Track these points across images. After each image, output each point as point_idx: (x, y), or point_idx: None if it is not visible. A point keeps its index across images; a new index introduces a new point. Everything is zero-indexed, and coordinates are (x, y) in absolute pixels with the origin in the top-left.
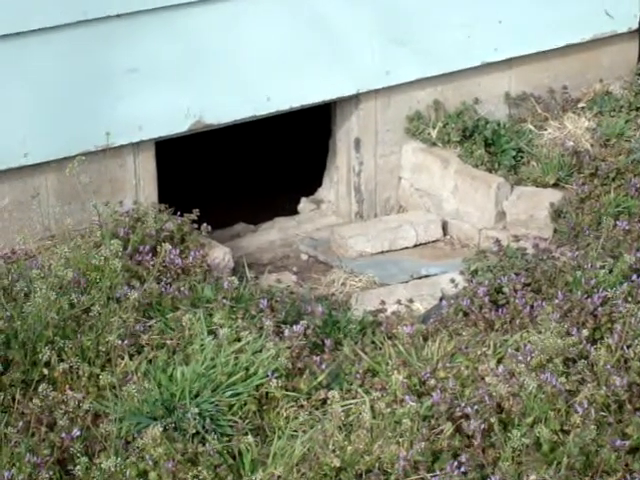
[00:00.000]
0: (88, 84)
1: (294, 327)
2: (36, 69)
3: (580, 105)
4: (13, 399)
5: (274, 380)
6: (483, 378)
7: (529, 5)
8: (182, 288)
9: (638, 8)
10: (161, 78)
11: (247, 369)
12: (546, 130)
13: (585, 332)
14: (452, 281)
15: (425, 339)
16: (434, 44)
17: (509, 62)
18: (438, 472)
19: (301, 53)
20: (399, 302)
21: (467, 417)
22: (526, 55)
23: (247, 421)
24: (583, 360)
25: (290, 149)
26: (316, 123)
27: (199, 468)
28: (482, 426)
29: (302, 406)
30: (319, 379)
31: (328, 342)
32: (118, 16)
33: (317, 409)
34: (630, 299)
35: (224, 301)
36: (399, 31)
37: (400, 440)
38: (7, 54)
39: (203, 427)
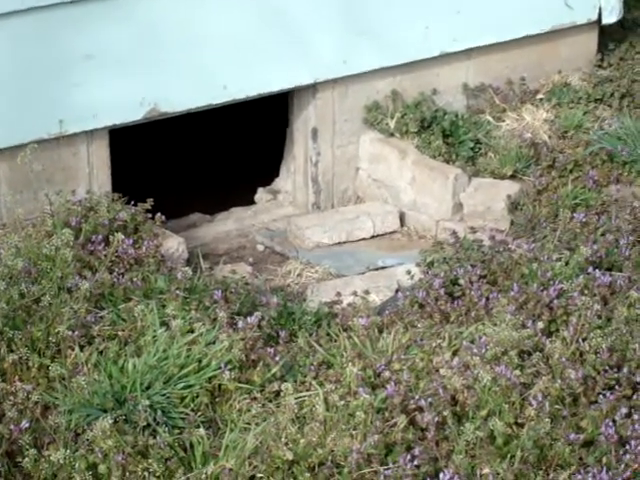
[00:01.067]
0: (41, 71)
1: (248, 319)
2: None
3: (538, 96)
4: None
5: (227, 372)
6: (438, 370)
7: None
8: (135, 279)
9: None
10: (116, 65)
11: (200, 361)
12: (504, 121)
13: (540, 325)
14: (408, 273)
15: (380, 331)
16: (392, 34)
17: (468, 53)
18: (391, 465)
19: (258, 41)
20: (355, 294)
21: (421, 410)
22: (485, 46)
23: (199, 413)
24: (538, 353)
25: (247, 139)
26: (273, 112)
27: (149, 461)
28: (436, 419)
29: (255, 398)
30: (273, 371)
31: (283, 334)
32: (72, 2)
33: (270, 401)
34: (586, 292)
35: (177, 292)
36: (357, 20)
37: (353, 433)
38: None
39: (154, 419)
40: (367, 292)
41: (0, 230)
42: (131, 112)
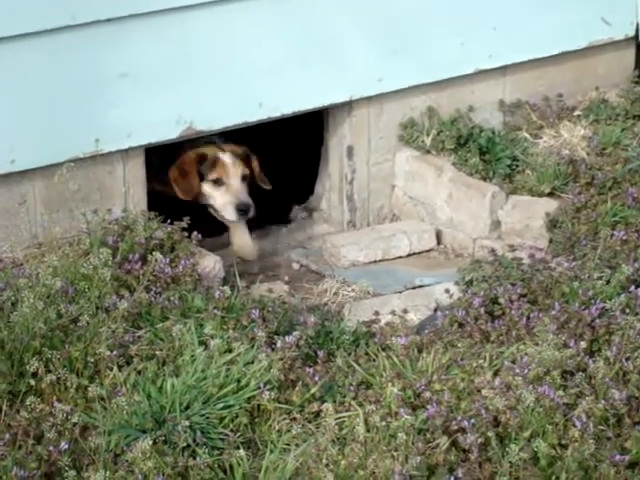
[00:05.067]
0: (77, 90)
1: (286, 338)
2: (23, 75)
3: (576, 113)
4: (0, 411)
5: (266, 392)
6: (479, 391)
7: (524, 11)
8: (172, 298)
9: (635, 15)
10: (151, 83)
11: (239, 381)
12: (541, 138)
13: (583, 344)
14: (447, 291)
15: (420, 351)
16: (428, 51)
17: (503, 69)
18: None
19: (294, 59)
20: (393, 312)
21: (463, 431)
22: (521, 62)
23: (238, 434)
24: (581, 373)
25: (282, 156)
26: (309, 130)
27: None
28: (479, 440)
29: (295, 419)
30: (312, 391)
31: (321, 353)
32: (108, 20)
33: (310, 422)
34: (628, 310)
35: (215, 311)
36: (393, 37)
37: (395, 454)
38: None
39: (194, 440)
40: (405, 311)
41: (36, 249)
42: (167, 130)
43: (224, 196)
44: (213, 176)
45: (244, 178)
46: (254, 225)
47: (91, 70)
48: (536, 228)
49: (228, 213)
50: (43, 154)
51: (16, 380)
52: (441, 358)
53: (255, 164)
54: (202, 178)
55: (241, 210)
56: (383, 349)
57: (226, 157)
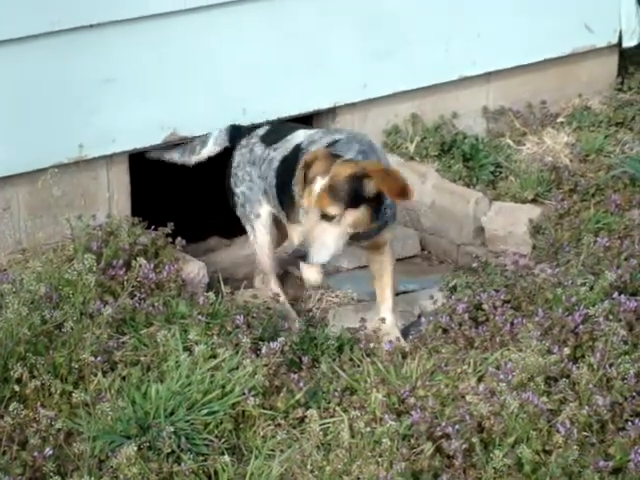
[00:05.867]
0: (60, 96)
1: (271, 344)
2: (6, 81)
3: (559, 120)
4: None
5: (251, 398)
6: (463, 397)
7: (508, 19)
8: (156, 303)
9: (618, 22)
10: (134, 89)
11: (223, 387)
12: (525, 145)
13: (566, 350)
14: (431, 297)
15: (404, 357)
16: (412, 57)
17: (488, 76)
18: None
19: (278, 65)
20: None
21: (448, 437)
22: (505, 69)
23: (223, 440)
24: (565, 379)
25: None
26: None
27: None
28: (463, 446)
29: (279, 425)
30: (297, 397)
31: (305, 359)
32: (90, 26)
33: (295, 428)
34: (611, 317)
35: (199, 317)
36: (377, 44)
37: (379, 460)
38: None
39: (178, 446)
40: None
41: (20, 255)
42: (151, 136)
43: None
44: None
45: None
46: (238, 231)
47: (74, 76)
48: (519, 234)
49: None
50: (27, 160)
51: (0, 386)
52: (425, 364)
53: None
54: None
55: None
56: (367, 355)
57: None
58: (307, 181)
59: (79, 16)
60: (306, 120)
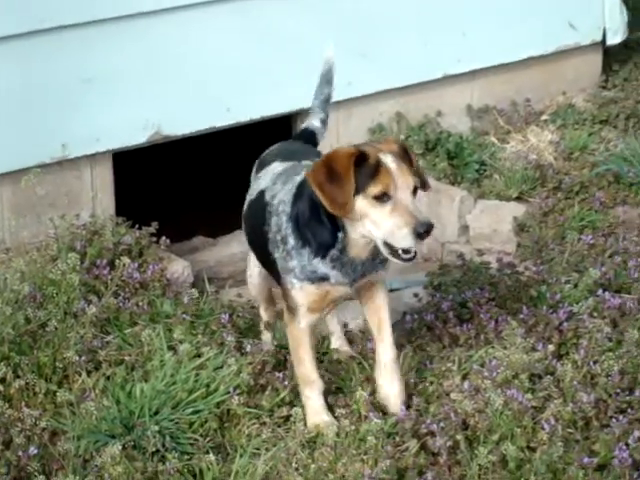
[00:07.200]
0: (43, 95)
1: (256, 342)
2: None
3: (543, 118)
4: None
5: (236, 397)
6: (448, 394)
7: (493, 17)
8: (140, 303)
9: (602, 20)
10: (118, 89)
11: (208, 386)
12: (509, 143)
13: (551, 347)
14: (415, 295)
15: None
16: (397, 55)
17: (472, 74)
18: None
19: (261, 64)
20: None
21: (432, 434)
22: (489, 67)
23: (208, 439)
24: (549, 376)
25: (251, 161)
26: (278, 134)
27: None
28: (448, 443)
29: (264, 423)
30: (281, 396)
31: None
32: (73, 26)
33: (280, 426)
34: (596, 314)
35: (184, 316)
36: (361, 42)
37: (364, 458)
38: None
39: (163, 445)
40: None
41: (4, 254)
42: (134, 136)
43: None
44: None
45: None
46: (223, 230)
47: (56, 76)
48: (504, 232)
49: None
50: (10, 159)
51: None
52: (410, 362)
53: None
54: (358, 190)
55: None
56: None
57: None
58: (363, 173)
59: (61, 16)
60: (290, 119)
